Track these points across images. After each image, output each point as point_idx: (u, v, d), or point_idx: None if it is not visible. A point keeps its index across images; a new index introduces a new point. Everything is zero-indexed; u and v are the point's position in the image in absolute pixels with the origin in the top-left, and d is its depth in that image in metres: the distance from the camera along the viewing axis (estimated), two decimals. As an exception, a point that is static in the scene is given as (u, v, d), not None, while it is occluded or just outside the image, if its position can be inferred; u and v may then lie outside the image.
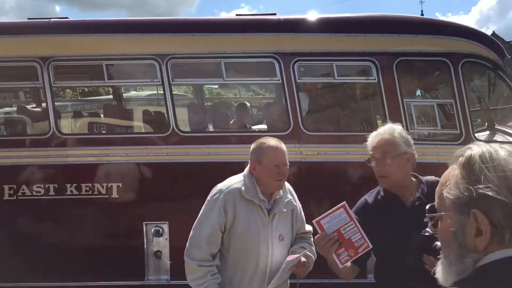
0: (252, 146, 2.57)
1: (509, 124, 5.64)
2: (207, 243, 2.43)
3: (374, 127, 4.66)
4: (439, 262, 1.11)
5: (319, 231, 2.15)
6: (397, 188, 2.29)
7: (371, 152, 2.30)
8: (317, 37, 4.45)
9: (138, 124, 5.36)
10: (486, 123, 5.27)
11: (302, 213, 2.71)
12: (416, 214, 2.03)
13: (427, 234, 1.85)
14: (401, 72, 4.58)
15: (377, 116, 4.74)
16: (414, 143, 4.36)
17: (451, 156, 3.67)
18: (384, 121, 4.45)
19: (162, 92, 4.41)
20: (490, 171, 1.00)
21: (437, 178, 2.23)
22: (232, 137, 4.55)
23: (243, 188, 2.46)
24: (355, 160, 4.40)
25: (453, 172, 1.08)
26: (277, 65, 4.37)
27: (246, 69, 4.91)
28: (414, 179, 2.35)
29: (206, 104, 6.77)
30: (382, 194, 2.36)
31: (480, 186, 0.98)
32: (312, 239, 2.67)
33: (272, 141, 2.52)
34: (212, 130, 5.22)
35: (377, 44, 4.52)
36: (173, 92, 4.43)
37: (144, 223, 4.32)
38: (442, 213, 1.08)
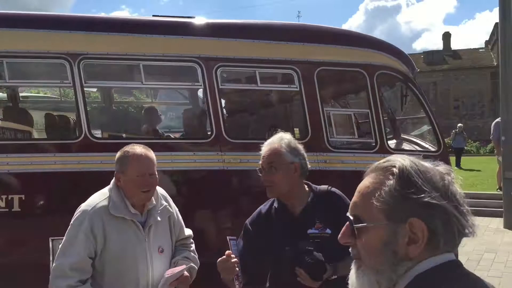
0: (117, 155, 2.35)
1: (413, 133, 6.03)
2: (74, 271, 2.16)
3: (298, 135, 4.72)
4: (353, 273, 1.10)
5: (230, 248, 2.14)
6: (286, 198, 2.27)
7: (260, 162, 2.29)
8: (241, 43, 4.38)
9: (40, 129, 4.90)
10: (393, 132, 5.56)
11: (180, 217, 2.55)
12: (302, 224, 2.09)
13: (309, 248, 2.01)
14: (321, 81, 4.65)
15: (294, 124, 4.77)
16: (335, 151, 4.50)
17: (367, 164, 3.72)
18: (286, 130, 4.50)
19: (74, 95, 4.03)
20: (424, 180, 1.03)
21: (328, 187, 2.31)
22: (148, 144, 4.30)
23: (110, 204, 2.23)
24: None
25: (382, 182, 1.07)
26: (199, 70, 4.22)
27: (166, 73, 4.70)
28: (306, 188, 2.33)
29: (117, 108, 6.41)
30: (275, 204, 2.33)
31: (421, 195, 1.00)
32: (193, 244, 2.58)
33: (137, 149, 2.30)
34: (127, 136, 4.92)
35: (299, 53, 4.55)
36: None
37: (50, 238, 3.91)
38: (372, 224, 1.05)
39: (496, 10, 10.02)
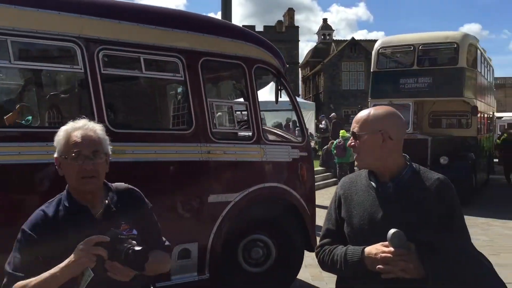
0: None
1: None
2: None
3: (184, 125, 4.64)
4: None
5: None
6: (85, 196, 1.98)
7: (75, 150, 1.91)
8: (126, 25, 4.08)
9: None
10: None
11: None
12: (105, 227, 1.84)
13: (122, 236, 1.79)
14: (205, 71, 4.65)
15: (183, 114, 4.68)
16: (218, 142, 4.56)
17: (246, 154, 3.98)
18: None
19: None
20: None
21: (126, 185, 2.18)
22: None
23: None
24: (164, 160, 4.27)
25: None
26: (79, 51, 3.82)
27: (41, 52, 4.11)
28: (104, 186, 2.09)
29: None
30: (66, 204, 1.97)
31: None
32: None
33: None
34: None
35: (184, 41, 4.45)
36: None
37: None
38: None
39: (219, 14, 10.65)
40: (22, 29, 3.58)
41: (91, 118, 3.76)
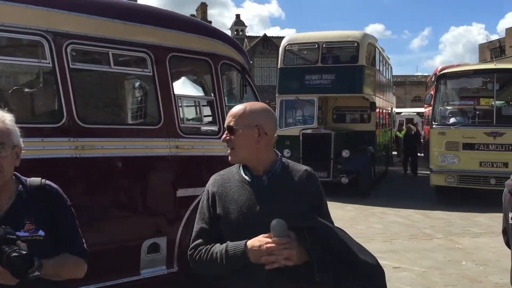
0: None
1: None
2: None
3: (152, 120, 4.65)
4: None
5: None
6: None
7: None
8: (94, 20, 4.04)
9: None
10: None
11: None
12: (9, 224, 1.77)
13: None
14: (173, 67, 4.67)
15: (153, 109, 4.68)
16: (185, 137, 4.61)
17: (214, 149, 4.12)
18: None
19: None
20: None
21: (43, 180, 2.02)
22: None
23: None
24: (133, 155, 4.28)
25: None
26: (47, 45, 3.75)
27: (8, 46, 3.97)
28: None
29: None
30: None
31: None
32: None
33: None
34: None
35: (152, 37, 4.45)
36: None
37: None
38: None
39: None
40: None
41: (59, 112, 3.74)
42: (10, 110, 2.03)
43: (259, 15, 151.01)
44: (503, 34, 64.62)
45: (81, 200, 3.74)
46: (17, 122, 1.98)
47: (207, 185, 2.07)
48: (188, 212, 4.65)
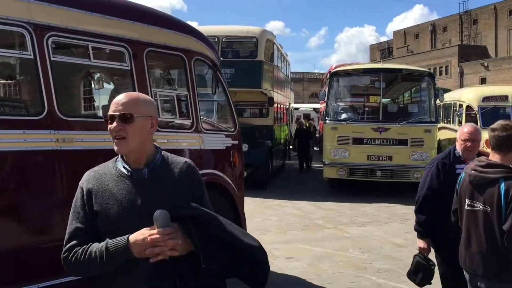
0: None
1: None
2: None
3: None
4: None
5: None
6: None
7: None
8: (74, 12, 4.01)
9: None
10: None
11: None
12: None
13: None
14: (150, 61, 4.72)
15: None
16: (162, 131, 4.69)
17: (188, 142, 4.33)
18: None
19: None
20: None
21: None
22: None
23: None
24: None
25: None
26: (28, 37, 3.70)
27: None
28: None
29: None
30: None
31: None
32: None
33: None
34: None
35: (130, 31, 4.47)
36: None
37: None
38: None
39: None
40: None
41: (41, 105, 3.71)
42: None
43: (160, 7, 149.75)
44: (391, 36, 69.25)
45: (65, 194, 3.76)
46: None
47: (80, 182, 1.97)
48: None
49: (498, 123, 3.00)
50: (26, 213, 3.68)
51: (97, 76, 4.84)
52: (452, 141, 13.38)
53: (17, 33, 3.71)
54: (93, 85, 4.88)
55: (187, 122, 5.12)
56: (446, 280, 3.79)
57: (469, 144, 3.63)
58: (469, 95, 13.83)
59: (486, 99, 12.95)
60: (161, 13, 4.93)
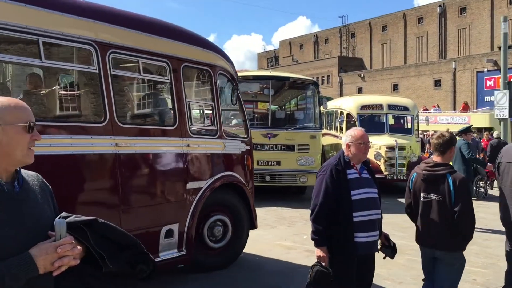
0: None
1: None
2: None
3: (169, 122, 5.13)
4: None
5: None
6: None
7: None
8: (129, 32, 4.48)
9: None
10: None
11: None
12: None
13: None
14: (185, 75, 5.23)
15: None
16: (194, 137, 5.18)
17: (214, 147, 5.06)
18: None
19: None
20: None
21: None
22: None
23: None
24: (156, 152, 4.79)
25: None
26: (94, 53, 4.15)
27: (64, 53, 4.23)
28: None
29: None
30: None
31: None
32: None
33: None
34: None
35: (171, 49, 4.98)
36: None
37: None
38: None
39: None
40: (50, 31, 3.82)
41: (103, 113, 4.16)
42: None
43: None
44: (277, 46, 71.96)
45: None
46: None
47: None
48: (194, 202, 5.23)
49: (437, 133, 3.89)
50: (91, 204, 4.14)
51: (143, 87, 5.29)
52: (334, 146, 14.43)
53: (85, 49, 4.15)
54: (139, 96, 5.33)
55: (212, 129, 5.64)
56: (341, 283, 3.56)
57: (365, 146, 3.55)
58: (349, 104, 14.51)
59: (363, 107, 13.74)
60: (193, 33, 5.44)
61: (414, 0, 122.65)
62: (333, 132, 15.22)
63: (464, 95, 35.60)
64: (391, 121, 13.81)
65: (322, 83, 46.81)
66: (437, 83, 37.78)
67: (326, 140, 15.43)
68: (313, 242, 3.52)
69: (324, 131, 15.42)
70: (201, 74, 5.71)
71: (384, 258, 3.76)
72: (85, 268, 1.72)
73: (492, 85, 32.68)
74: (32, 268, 1.56)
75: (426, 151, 19.01)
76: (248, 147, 6.34)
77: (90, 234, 1.71)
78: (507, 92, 16.74)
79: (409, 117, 14.15)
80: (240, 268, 6.06)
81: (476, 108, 31.02)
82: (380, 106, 13.74)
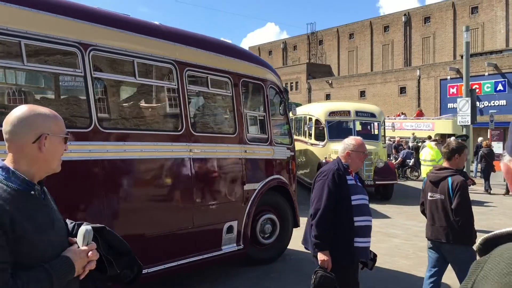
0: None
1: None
2: None
3: (229, 130, 5.71)
4: None
5: None
6: None
7: None
8: (200, 51, 5.09)
9: None
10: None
11: None
12: None
13: None
14: (243, 89, 5.81)
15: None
16: (250, 144, 5.74)
17: (265, 153, 5.64)
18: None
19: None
20: None
21: None
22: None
23: None
24: (219, 157, 5.37)
25: None
26: (174, 71, 4.75)
27: (148, 71, 4.86)
28: None
29: None
30: None
31: None
32: None
33: None
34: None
35: (232, 66, 5.57)
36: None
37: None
38: None
39: None
40: (142, 52, 4.44)
41: (181, 123, 4.74)
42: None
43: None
44: None
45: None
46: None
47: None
48: (250, 201, 5.78)
49: (447, 142, 4.49)
50: (172, 201, 4.73)
51: (209, 99, 5.89)
52: (304, 152, 14.40)
53: (167, 68, 4.75)
54: (207, 107, 5.94)
55: (264, 137, 6.21)
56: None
57: (364, 155, 3.62)
58: (317, 110, 14.38)
59: (332, 113, 13.67)
60: (249, 52, 6.04)
61: (380, 9, 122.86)
62: (301, 138, 15.07)
63: (428, 102, 35.86)
64: (358, 127, 13.90)
65: (291, 89, 46.88)
66: (403, 90, 38.04)
67: (296, 146, 15.43)
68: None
69: (294, 137, 15.45)
70: (255, 88, 6.28)
71: (362, 268, 3.64)
72: (94, 272, 1.76)
73: (455, 92, 32.91)
74: (73, 271, 1.63)
75: (391, 157, 18.93)
76: (292, 153, 6.89)
77: (100, 241, 1.78)
78: (469, 99, 17.04)
79: (376, 123, 14.17)
80: (283, 261, 6.63)
81: (440, 115, 31.32)
82: (348, 113, 13.74)
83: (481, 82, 31.48)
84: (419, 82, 36.70)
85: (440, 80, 35.11)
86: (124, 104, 4.96)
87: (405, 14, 46.73)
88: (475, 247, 1.01)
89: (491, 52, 34.60)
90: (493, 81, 31.53)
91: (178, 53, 4.80)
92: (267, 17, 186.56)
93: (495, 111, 26.11)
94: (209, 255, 5.17)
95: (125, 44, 4.29)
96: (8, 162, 1.61)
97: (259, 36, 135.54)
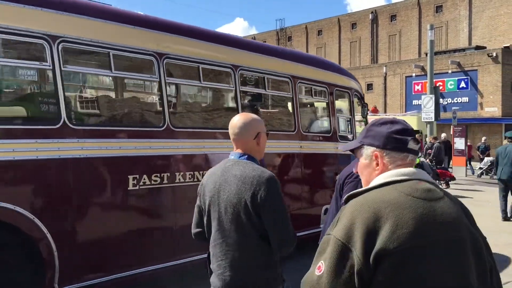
0: None
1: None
2: None
3: (325, 131, 6.81)
4: None
5: None
6: None
7: None
8: (308, 68, 6.25)
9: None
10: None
11: None
12: None
13: None
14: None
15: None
16: (340, 141, 6.79)
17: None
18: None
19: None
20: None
21: None
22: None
23: None
24: (319, 152, 6.46)
25: None
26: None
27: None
28: None
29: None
30: None
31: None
32: None
33: None
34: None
35: (328, 78, 6.65)
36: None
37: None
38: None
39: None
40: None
41: (293, 125, 5.86)
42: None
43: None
44: None
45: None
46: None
47: None
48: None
49: None
50: (290, 188, 5.87)
51: (312, 106, 7.07)
52: None
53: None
54: (312, 111, 7.13)
55: (350, 136, 7.26)
56: None
57: None
58: None
59: None
60: (338, 65, 7.14)
61: (348, 6, 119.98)
62: None
63: (394, 98, 35.70)
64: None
65: (259, 84, 46.56)
66: (370, 86, 37.71)
67: None
68: None
69: None
70: (341, 96, 7.36)
71: None
72: None
73: (420, 89, 32.77)
74: None
75: None
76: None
77: None
78: (433, 96, 17.23)
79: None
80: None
81: (405, 112, 31.44)
82: None
83: (445, 79, 31.51)
84: (385, 79, 36.68)
85: (406, 77, 35.16)
86: (262, 110, 6.09)
87: (372, 12, 46.08)
88: None
89: (455, 50, 34.42)
90: (456, 78, 31.56)
91: (292, 70, 5.93)
92: (236, 12, 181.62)
93: (458, 108, 26.20)
94: (312, 231, 6.28)
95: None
96: None
97: (228, 31, 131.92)
